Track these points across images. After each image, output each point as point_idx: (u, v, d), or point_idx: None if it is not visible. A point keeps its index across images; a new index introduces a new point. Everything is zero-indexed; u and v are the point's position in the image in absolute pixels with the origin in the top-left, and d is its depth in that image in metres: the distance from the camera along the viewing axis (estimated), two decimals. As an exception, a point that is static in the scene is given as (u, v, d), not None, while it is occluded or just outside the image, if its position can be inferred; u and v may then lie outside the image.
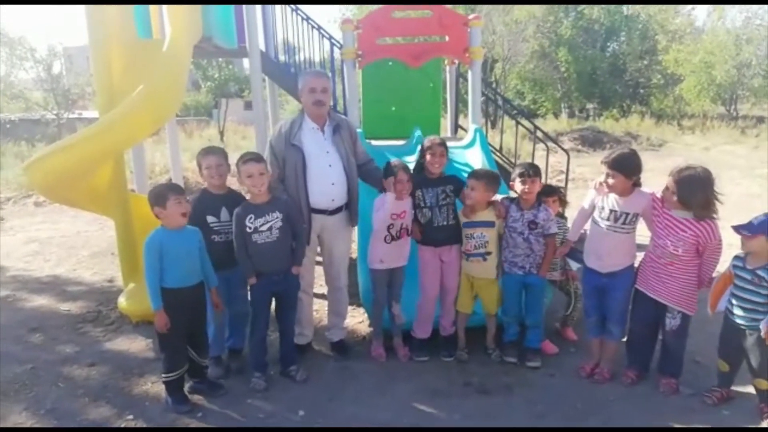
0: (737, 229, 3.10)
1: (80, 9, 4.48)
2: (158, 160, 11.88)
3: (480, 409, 3.35)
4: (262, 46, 6.71)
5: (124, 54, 4.54)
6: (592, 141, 15.46)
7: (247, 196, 3.62)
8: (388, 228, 3.75)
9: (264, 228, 3.45)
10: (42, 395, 3.58)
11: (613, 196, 3.43)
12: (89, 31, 4.42)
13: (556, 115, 23.32)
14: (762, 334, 3.01)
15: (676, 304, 3.36)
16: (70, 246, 7.26)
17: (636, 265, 3.55)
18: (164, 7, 4.75)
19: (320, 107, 3.73)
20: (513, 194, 3.86)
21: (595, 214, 3.54)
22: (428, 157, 3.78)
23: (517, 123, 7.48)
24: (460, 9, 19.66)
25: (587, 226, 3.65)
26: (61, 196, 4.62)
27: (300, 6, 7.50)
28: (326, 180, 3.75)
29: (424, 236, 3.83)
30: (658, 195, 3.35)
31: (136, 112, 4.06)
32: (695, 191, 3.16)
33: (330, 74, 7.73)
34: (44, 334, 4.51)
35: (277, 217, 3.47)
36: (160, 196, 3.22)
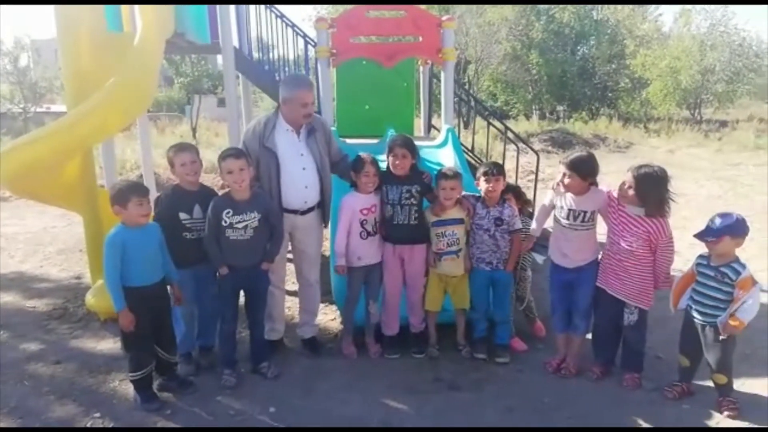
0: (701, 237, 3.20)
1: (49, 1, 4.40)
2: (129, 156, 11.69)
3: (450, 404, 3.41)
4: (235, 43, 6.65)
5: (94, 48, 4.46)
6: (562, 142, 15.69)
7: (221, 192, 3.61)
8: (362, 224, 3.78)
9: (239, 226, 3.44)
10: (6, 393, 3.51)
11: (570, 196, 3.54)
12: (57, 24, 4.35)
13: (528, 117, 23.61)
14: (720, 329, 3.13)
15: (632, 300, 3.47)
16: (37, 242, 7.11)
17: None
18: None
19: (309, 118, 3.77)
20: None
21: (556, 213, 3.65)
22: (390, 158, 3.81)
23: (489, 124, 7.58)
24: (434, 10, 19.79)
25: (551, 224, 3.74)
26: (28, 191, 4.53)
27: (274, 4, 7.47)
28: (300, 183, 3.77)
29: (385, 233, 3.87)
30: (614, 193, 3.47)
31: (106, 107, 4.00)
32: (652, 188, 3.29)
33: (304, 72, 7.75)
34: (9, 331, 4.42)
35: (254, 217, 3.46)
36: (122, 196, 3.18)
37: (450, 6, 20.68)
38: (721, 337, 3.13)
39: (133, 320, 3.20)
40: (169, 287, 3.46)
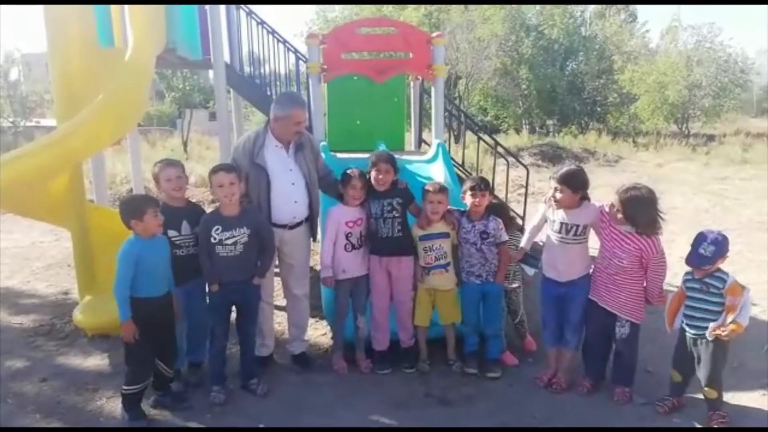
0: (698, 265, 3.20)
1: (39, 14, 4.40)
2: (119, 170, 11.64)
3: (441, 419, 3.39)
4: (226, 58, 6.68)
5: (85, 62, 4.46)
6: (552, 156, 15.80)
7: (209, 208, 3.60)
8: (347, 236, 3.79)
9: (229, 242, 3.44)
10: (-10, 412, 3.45)
11: (562, 210, 3.56)
12: (48, 37, 4.35)
13: (518, 131, 23.78)
14: (707, 334, 3.14)
15: (624, 314, 3.49)
16: (24, 257, 7.03)
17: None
18: (127, 15, 4.69)
19: (299, 135, 3.80)
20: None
21: (547, 228, 3.67)
22: (373, 173, 3.82)
23: (479, 138, 7.63)
24: (425, 26, 20.00)
25: (543, 238, 3.76)
26: (16, 206, 4.50)
27: (264, 17, 7.50)
28: (289, 198, 3.78)
29: (371, 246, 3.89)
30: (606, 208, 3.49)
31: (96, 122, 4.00)
32: (640, 210, 3.31)
33: (295, 87, 7.79)
34: (-6, 348, 4.35)
35: (244, 233, 3.46)
36: (137, 209, 3.18)
37: (440, 22, 20.90)
38: (723, 333, 3.09)
39: (136, 332, 3.16)
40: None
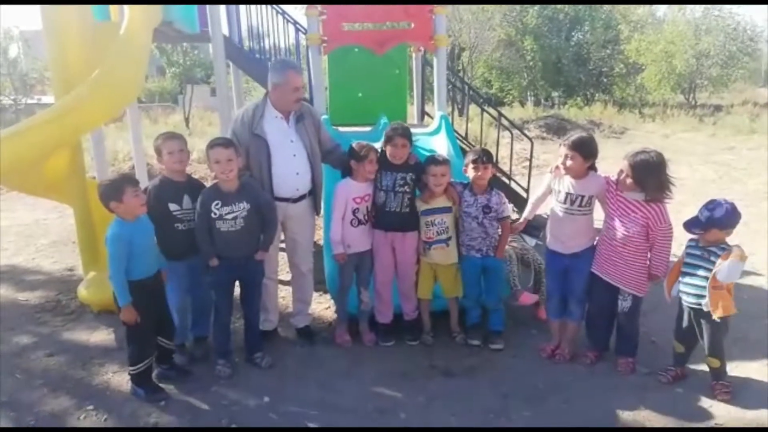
0: (689, 229, 3.19)
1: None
2: (121, 147, 11.60)
3: (444, 391, 3.41)
4: (225, 31, 6.58)
5: (81, 37, 4.40)
6: (557, 129, 15.65)
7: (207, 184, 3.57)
8: (354, 212, 3.77)
9: (229, 217, 3.41)
10: (-2, 386, 3.49)
11: (568, 180, 3.52)
12: (43, 14, 4.28)
13: (522, 103, 23.57)
14: (703, 306, 3.13)
15: (626, 287, 3.47)
16: (29, 234, 7.07)
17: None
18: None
19: (299, 103, 3.73)
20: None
21: (552, 199, 3.63)
22: (389, 148, 3.77)
23: (483, 111, 7.55)
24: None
25: (548, 211, 3.73)
26: (17, 183, 4.49)
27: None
28: (291, 170, 3.73)
29: (377, 219, 3.86)
30: (612, 178, 3.45)
31: (92, 97, 3.95)
32: (649, 174, 3.26)
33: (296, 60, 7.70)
34: (1, 324, 4.38)
35: (243, 208, 3.43)
36: (115, 190, 3.11)
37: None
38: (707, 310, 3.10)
39: (136, 315, 3.17)
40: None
